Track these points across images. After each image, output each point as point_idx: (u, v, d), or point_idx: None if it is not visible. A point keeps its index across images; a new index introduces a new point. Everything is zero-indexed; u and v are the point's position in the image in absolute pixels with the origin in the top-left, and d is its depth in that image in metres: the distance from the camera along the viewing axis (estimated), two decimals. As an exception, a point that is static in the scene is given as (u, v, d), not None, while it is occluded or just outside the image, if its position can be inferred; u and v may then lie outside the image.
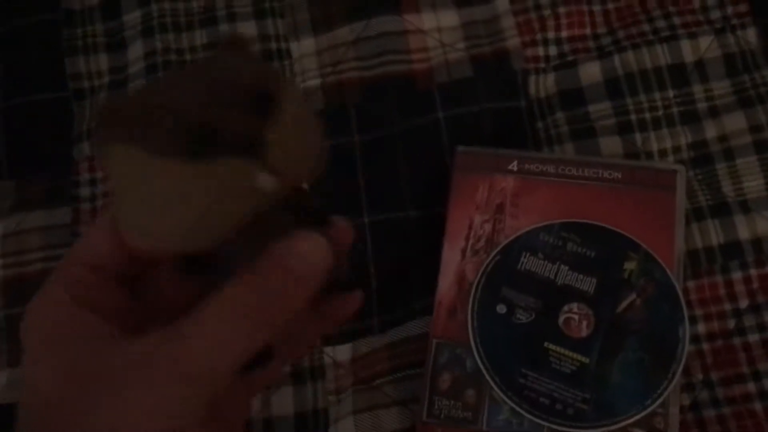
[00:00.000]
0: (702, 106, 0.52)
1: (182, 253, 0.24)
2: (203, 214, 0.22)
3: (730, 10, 0.53)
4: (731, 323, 0.48)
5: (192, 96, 0.22)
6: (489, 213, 0.50)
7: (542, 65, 0.55)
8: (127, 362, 0.23)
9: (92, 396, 0.23)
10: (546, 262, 0.49)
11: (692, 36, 0.53)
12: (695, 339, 0.48)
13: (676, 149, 0.52)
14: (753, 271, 0.49)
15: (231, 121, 0.22)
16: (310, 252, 0.24)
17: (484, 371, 0.47)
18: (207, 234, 0.23)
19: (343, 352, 0.50)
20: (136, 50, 0.57)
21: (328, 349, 0.50)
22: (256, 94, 0.23)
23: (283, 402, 0.49)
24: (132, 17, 0.58)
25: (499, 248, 0.49)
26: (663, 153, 0.52)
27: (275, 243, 0.24)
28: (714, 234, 0.50)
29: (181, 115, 0.22)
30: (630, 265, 0.48)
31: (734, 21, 0.53)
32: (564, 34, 0.55)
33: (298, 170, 0.24)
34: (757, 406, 0.46)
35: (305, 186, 0.27)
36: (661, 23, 0.54)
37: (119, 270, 0.27)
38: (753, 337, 0.48)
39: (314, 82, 0.56)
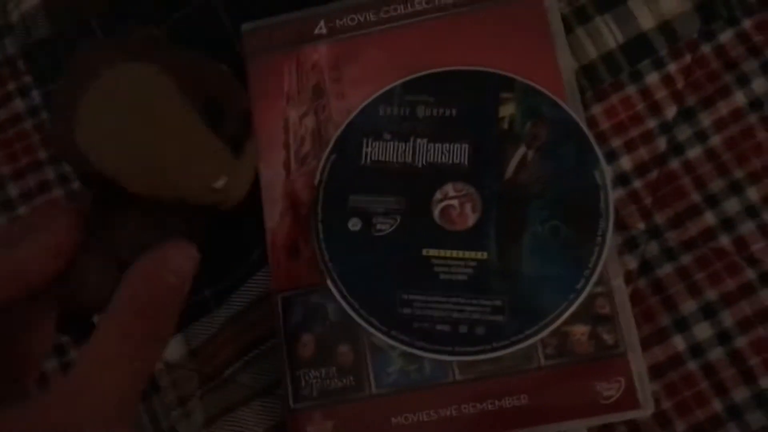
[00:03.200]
0: None
1: (123, 185, 0.25)
2: (176, 166, 0.25)
3: None
4: (662, 143, 0.35)
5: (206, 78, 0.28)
6: (306, 102, 0.36)
7: None
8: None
9: None
10: (396, 142, 0.35)
11: None
12: (622, 179, 0.35)
13: (529, -62, 0.37)
14: (672, 67, 0.36)
15: (232, 116, 0.27)
16: (182, 264, 0.25)
17: (353, 314, 0.33)
18: (161, 184, 0.25)
19: (174, 349, 0.36)
20: None
21: (155, 351, 0.36)
22: (244, 112, 0.29)
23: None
24: None
25: (331, 144, 0.35)
26: (513, -51, 0.37)
27: (152, 249, 0.24)
28: (608, 33, 0.36)
29: (208, 82, 0.27)
30: (507, 110, 0.34)
31: None
32: None
33: (241, 190, 0.29)
34: (724, 240, 0.34)
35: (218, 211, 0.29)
36: None
37: None
38: (694, 152, 0.35)
39: (33, 3, 0.40)
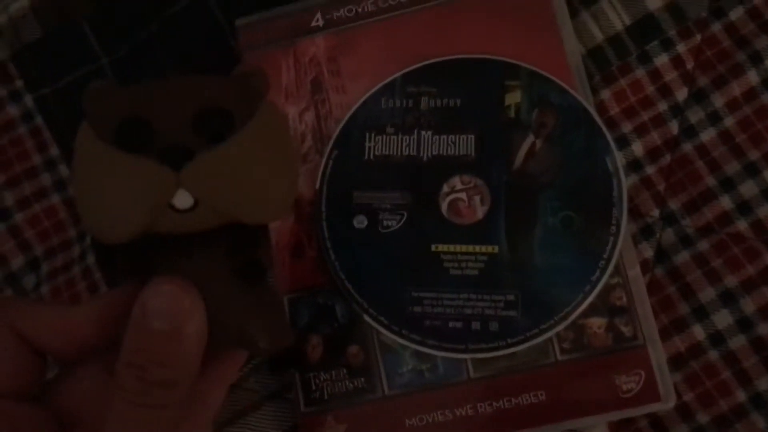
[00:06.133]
0: None
1: (105, 241, 0.22)
2: (116, 205, 0.21)
3: None
4: (674, 126, 0.34)
5: (163, 98, 0.22)
6: (305, 97, 0.35)
7: None
8: None
9: None
10: (400, 135, 0.34)
11: None
12: (634, 165, 0.34)
13: None
14: (681, 47, 0.34)
15: (171, 125, 0.21)
16: (164, 308, 0.21)
17: (363, 313, 0.32)
18: (115, 228, 0.21)
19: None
20: None
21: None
22: (218, 109, 0.21)
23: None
24: None
25: (332, 141, 0.34)
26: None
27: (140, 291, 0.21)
28: (615, 15, 0.35)
29: (123, 106, 0.21)
30: (513, 98, 0.33)
31: None
32: None
33: (237, 205, 0.21)
34: (742, 225, 0.33)
35: (250, 227, 0.23)
36: None
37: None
38: (707, 135, 0.34)
39: (22, 5, 0.39)
